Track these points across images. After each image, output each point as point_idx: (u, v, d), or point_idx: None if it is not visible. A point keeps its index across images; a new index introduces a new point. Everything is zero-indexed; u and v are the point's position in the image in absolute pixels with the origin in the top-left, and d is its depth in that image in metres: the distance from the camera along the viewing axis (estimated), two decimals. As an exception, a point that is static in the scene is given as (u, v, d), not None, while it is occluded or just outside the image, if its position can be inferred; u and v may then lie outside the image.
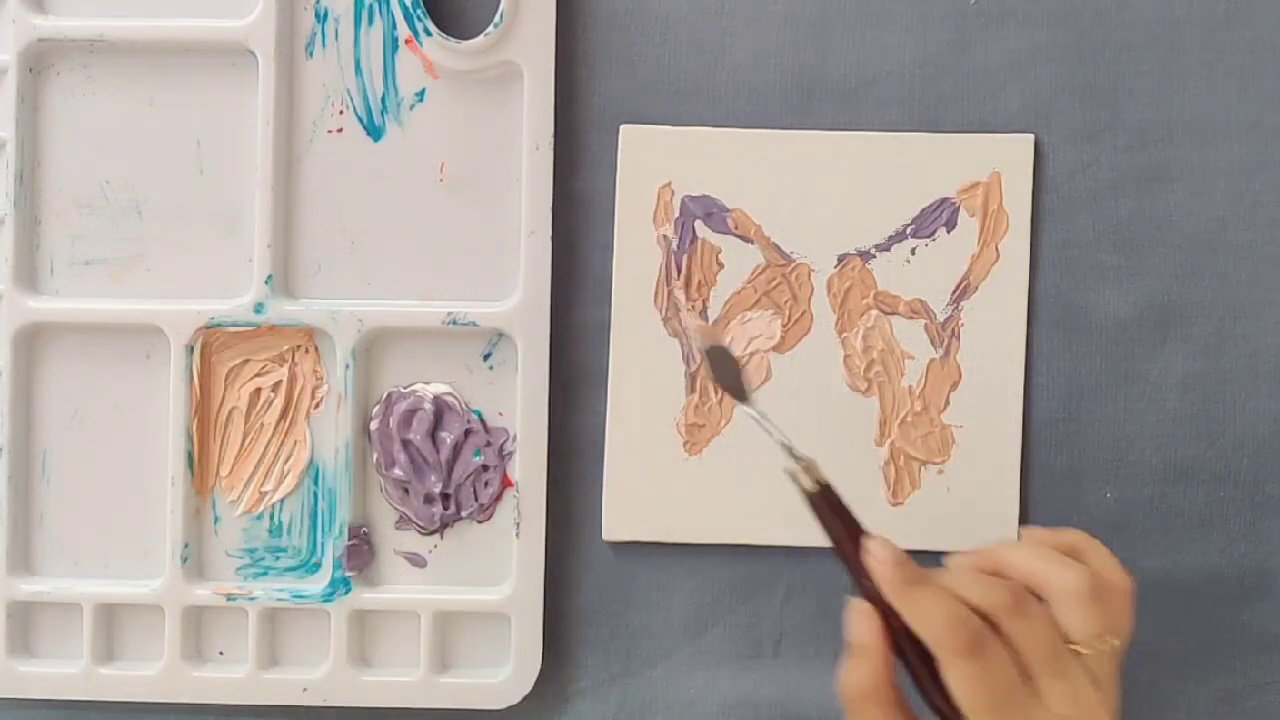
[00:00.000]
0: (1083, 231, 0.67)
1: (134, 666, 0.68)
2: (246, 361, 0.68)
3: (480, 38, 0.67)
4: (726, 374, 0.62)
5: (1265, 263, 0.67)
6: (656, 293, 0.67)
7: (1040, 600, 0.56)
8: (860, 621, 0.57)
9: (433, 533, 0.68)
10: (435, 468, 0.68)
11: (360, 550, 0.67)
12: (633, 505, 0.67)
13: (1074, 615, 0.56)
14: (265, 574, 0.68)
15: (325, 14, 0.68)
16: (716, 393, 0.66)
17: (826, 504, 0.59)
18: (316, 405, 0.68)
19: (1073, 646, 0.56)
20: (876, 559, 0.57)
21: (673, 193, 0.67)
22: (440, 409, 0.68)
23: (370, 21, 0.68)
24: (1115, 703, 0.56)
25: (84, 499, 0.68)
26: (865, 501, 0.67)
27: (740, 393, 0.61)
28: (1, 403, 0.68)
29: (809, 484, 0.59)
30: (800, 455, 0.59)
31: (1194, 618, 0.67)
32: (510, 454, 0.68)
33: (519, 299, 0.67)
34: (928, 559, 0.67)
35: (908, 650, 0.57)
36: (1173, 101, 0.67)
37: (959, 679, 0.55)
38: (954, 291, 0.67)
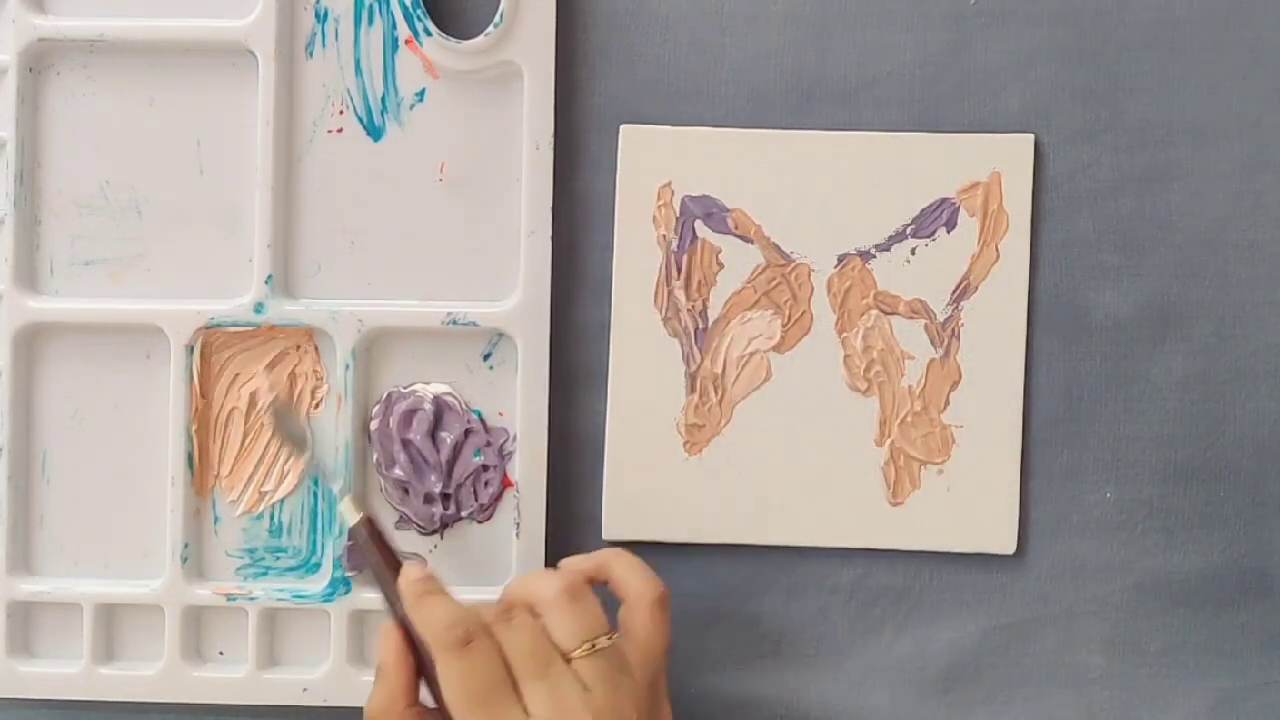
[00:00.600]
0: (1083, 231, 0.67)
1: (134, 666, 0.68)
2: (247, 361, 0.68)
3: (480, 38, 0.67)
4: (286, 427, 0.67)
5: (1265, 263, 0.67)
6: (656, 293, 0.67)
7: (535, 614, 0.59)
8: (383, 642, 0.60)
9: (433, 533, 0.68)
10: (435, 468, 0.68)
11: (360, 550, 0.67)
12: (633, 505, 0.67)
13: (554, 621, 0.59)
14: (265, 574, 0.68)
15: (325, 14, 0.68)
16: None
17: (369, 533, 0.63)
18: (316, 405, 0.68)
19: (565, 653, 0.58)
20: (404, 576, 0.61)
21: (673, 193, 0.67)
22: (440, 409, 0.68)
23: (370, 21, 0.68)
24: (619, 702, 0.58)
25: (84, 499, 0.68)
26: (865, 501, 0.67)
27: (300, 444, 0.67)
28: (1, 403, 0.68)
29: (355, 515, 0.63)
30: (349, 491, 0.66)
31: (1194, 617, 0.67)
32: (510, 454, 0.68)
33: (519, 299, 0.67)
34: (928, 559, 0.68)
35: (425, 664, 0.60)
36: (1173, 101, 0.67)
37: (446, 674, 0.58)
38: (954, 291, 0.67)
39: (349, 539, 0.65)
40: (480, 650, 0.58)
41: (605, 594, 0.61)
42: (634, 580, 0.61)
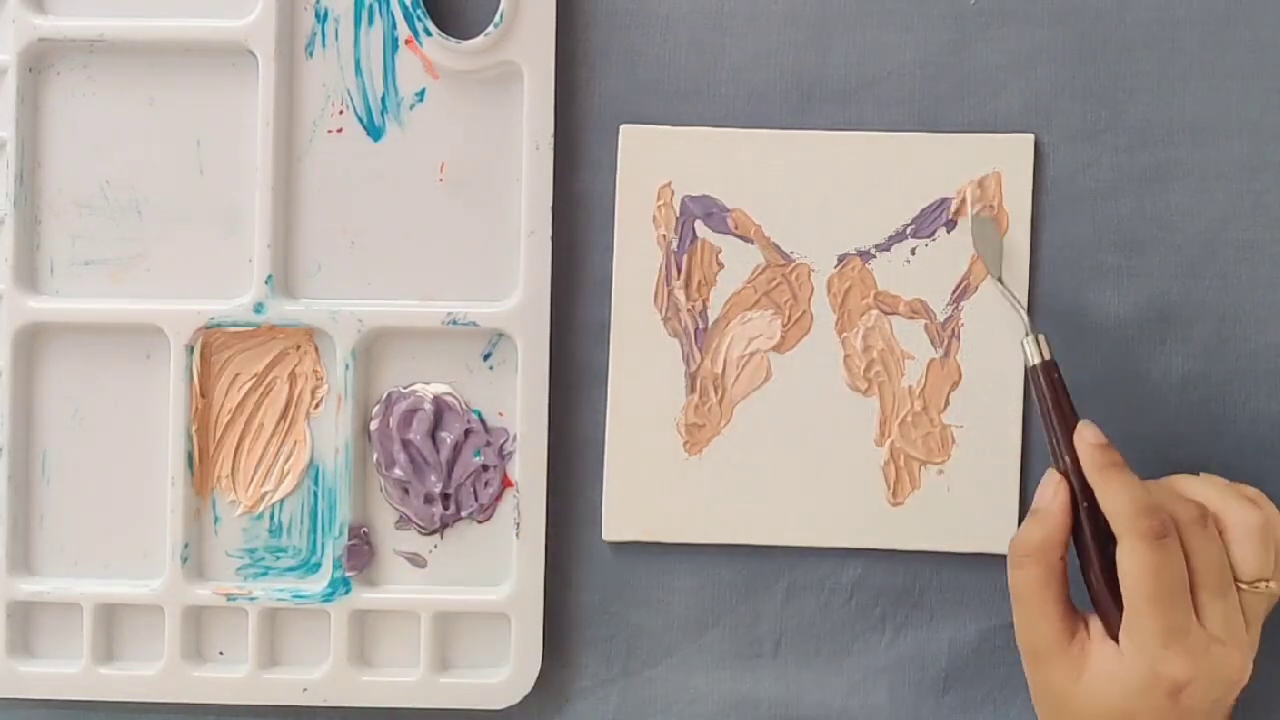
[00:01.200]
0: (1083, 231, 0.67)
1: (134, 666, 0.68)
2: (247, 361, 0.68)
3: (480, 38, 0.67)
4: (987, 243, 0.66)
5: (1266, 263, 0.67)
6: (656, 293, 0.67)
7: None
8: (1048, 488, 0.61)
9: (433, 533, 0.68)
10: (435, 468, 0.68)
11: (360, 550, 0.67)
12: (633, 505, 0.67)
13: (1245, 550, 0.59)
14: (265, 574, 0.68)
15: (325, 14, 0.68)
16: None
17: (1048, 379, 0.62)
18: (316, 405, 0.68)
19: (1238, 584, 0.58)
20: (1083, 439, 0.60)
21: (673, 192, 0.67)
22: (440, 409, 0.68)
23: (370, 21, 0.68)
24: (1255, 649, 0.59)
25: (84, 499, 0.68)
26: (865, 501, 0.67)
27: (995, 265, 0.66)
28: (1, 403, 0.68)
29: (1037, 355, 0.62)
30: (1037, 329, 0.63)
31: (1194, 618, 0.67)
32: (510, 454, 0.68)
33: (519, 299, 0.67)
34: (928, 559, 0.68)
35: (1086, 529, 0.60)
36: (1173, 101, 0.67)
37: (1134, 560, 0.57)
38: (954, 291, 0.67)
39: (1029, 376, 0.63)
40: (1172, 548, 0.57)
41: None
42: None
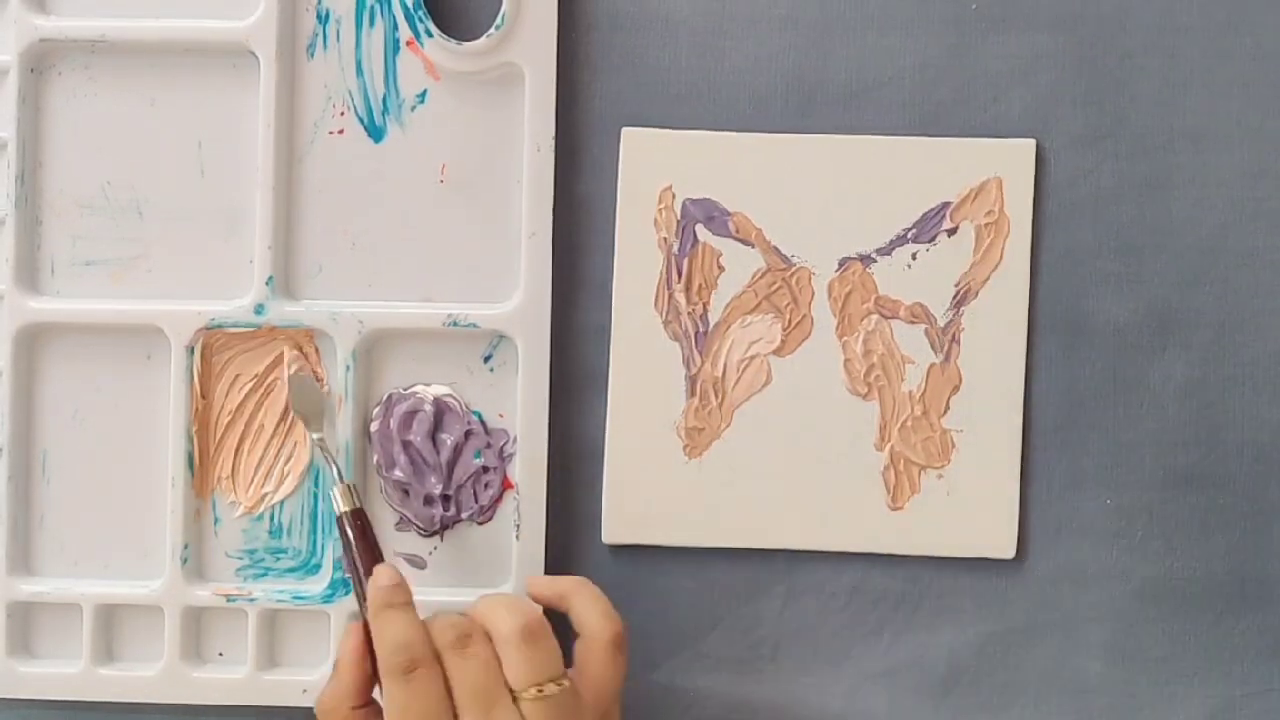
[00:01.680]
0: (1084, 237, 0.67)
1: (133, 667, 0.68)
2: (247, 362, 0.68)
3: (482, 39, 0.67)
4: (304, 399, 0.67)
5: (1266, 270, 0.67)
6: (657, 296, 0.67)
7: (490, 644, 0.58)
8: (345, 639, 0.60)
9: (433, 534, 0.68)
10: (435, 469, 0.68)
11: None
12: (633, 508, 0.67)
13: (507, 658, 0.58)
14: (265, 575, 0.68)
15: (326, 15, 0.68)
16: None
17: (357, 525, 0.63)
18: (317, 406, 0.69)
19: (514, 692, 0.57)
20: (374, 582, 0.60)
21: (674, 196, 0.67)
22: (440, 410, 0.68)
23: (371, 23, 0.68)
24: None
25: (84, 499, 0.69)
26: (864, 506, 0.67)
27: (315, 419, 0.67)
28: (2, 403, 0.68)
29: (345, 504, 0.63)
30: (346, 479, 0.65)
31: (1193, 624, 0.67)
32: (510, 456, 0.68)
33: (520, 301, 0.67)
34: (928, 563, 0.68)
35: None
36: (1174, 108, 0.67)
37: (388, 699, 0.58)
38: (954, 296, 0.67)
39: (336, 527, 0.64)
40: (423, 680, 0.57)
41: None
42: (592, 616, 0.61)
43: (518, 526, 0.67)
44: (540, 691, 0.57)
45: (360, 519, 0.63)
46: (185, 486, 0.68)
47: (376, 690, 0.60)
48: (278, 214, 0.67)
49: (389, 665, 0.58)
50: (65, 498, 0.69)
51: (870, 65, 0.68)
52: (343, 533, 0.63)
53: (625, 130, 0.68)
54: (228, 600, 0.68)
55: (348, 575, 0.66)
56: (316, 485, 0.68)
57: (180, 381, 0.68)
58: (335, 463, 0.65)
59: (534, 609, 0.60)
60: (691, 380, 0.67)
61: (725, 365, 0.67)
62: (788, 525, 0.67)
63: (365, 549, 0.62)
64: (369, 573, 0.61)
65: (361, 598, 0.61)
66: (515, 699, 0.57)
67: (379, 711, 0.59)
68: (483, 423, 0.68)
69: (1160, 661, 0.68)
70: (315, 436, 0.67)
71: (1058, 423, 0.67)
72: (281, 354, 0.68)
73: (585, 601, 0.62)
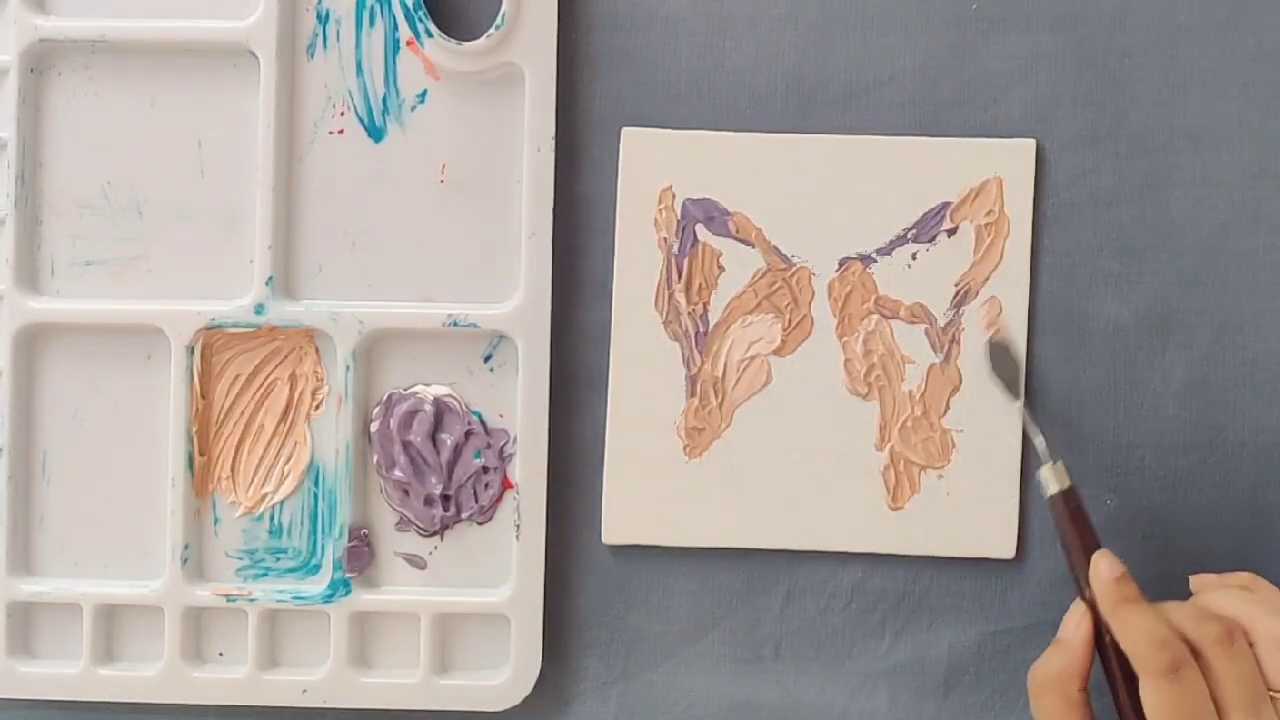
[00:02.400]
0: (1084, 238, 0.67)
1: (134, 667, 0.68)
2: (247, 363, 0.68)
3: (482, 39, 0.67)
4: (1005, 369, 0.66)
5: (1266, 270, 0.67)
6: (657, 296, 0.67)
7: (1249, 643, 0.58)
8: (1073, 618, 0.60)
9: (433, 534, 0.68)
10: (435, 469, 0.68)
11: (360, 552, 0.67)
12: (633, 508, 0.67)
13: (1277, 660, 0.57)
14: (265, 575, 0.68)
15: (326, 15, 0.68)
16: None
17: (1067, 508, 0.62)
18: (317, 407, 0.68)
19: (1272, 693, 0.57)
20: (1098, 573, 0.60)
21: (674, 196, 0.67)
22: (441, 410, 0.68)
23: (371, 23, 0.68)
24: None
25: (84, 499, 0.68)
26: (865, 505, 0.67)
27: (1015, 389, 0.66)
28: (2, 403, 0.68)
29: (1055, 485, 0.62)
30: (1054, 457, 0.63)
31: (1193, 624, 0.67)
32: (510, 456, 0.68)
33: (520, 301, 0.67)
34: (928, 563, 0.68)
35: (1113, 665, 0.59)
36: (1174, 108, 0.67)
37: (1153, 697, 0.57)
38: (954, 296, 0.67)
39: (1050, 505, 0.63)
40: (1190, 679, 0.56)
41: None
42: None
43: (518, 526, 0.67)
44: None
45: (1072, 498, 0.62)
46: (185, 486, 0.68)
47: None
48: (278, 214, 0.67)
49: (1151, 664, 0.57)
50: (65, 498, 0.69)
51: (870, 65, 0.68)
52: (1056, 514, 0.63)
53: (626, 130, 0.68)
54: (228, 600, 0.68)
55: (350, 575, 0.66)
56: (316, 485, 0.68)
57: (180, 381, 0.68)
58: (1039, 434, 0.64)
59: None
60: (692, 380, 0.67)
61: (725, 365, 0.67)
62: (788, 525, 0.67)
63: (1082, 530, 0.62)
64: (1086, 554, 0.61)
65: (1081, 580, 0.61)
66: (1274, 700, 0.57)
67: (1089, 699, 0.59)
68: (483, 423, 0.68)
69: (1161, 661, 0.68)
70: (1018, 404, 0.66)
71: (1058, 423, 0.67)
72: (278, 354, 0.68)
73: (1276, 595, 0.61)
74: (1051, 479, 0.63)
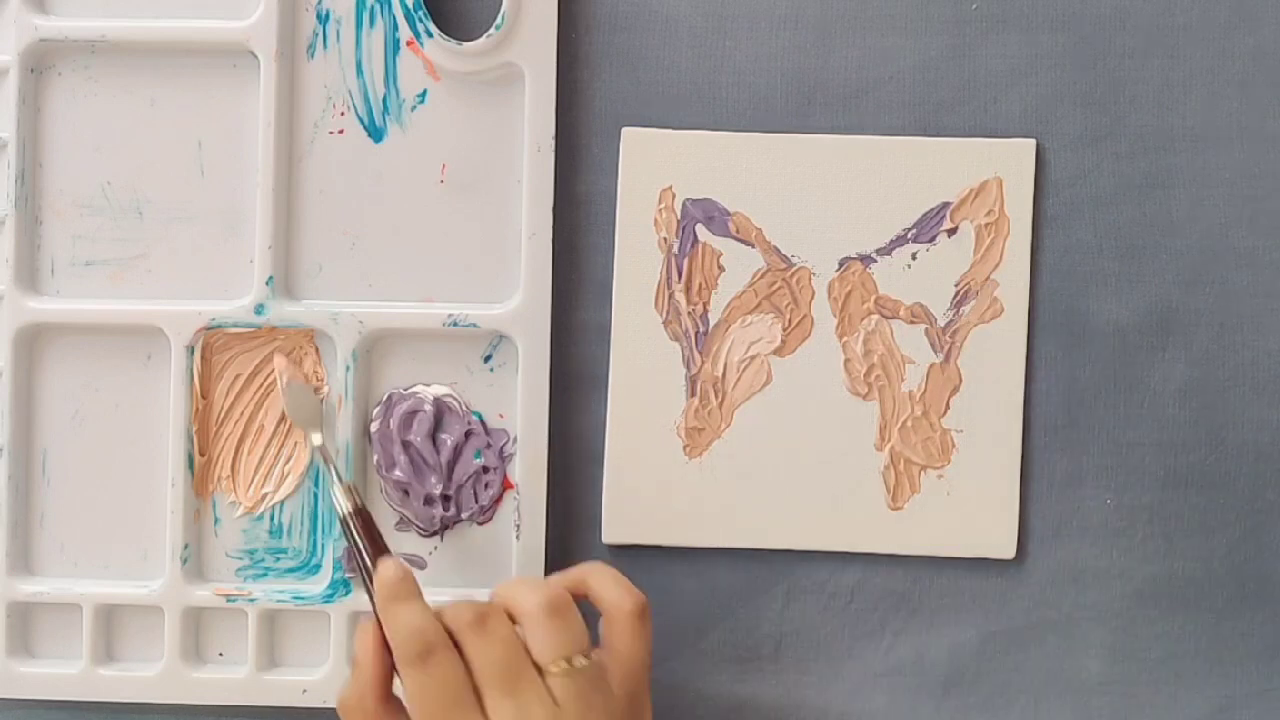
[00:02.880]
0: (1084, 237, 0.67)
1: (133, 667, 0.68)
2: (247, 363, 0.68)
3: (482, 39, 0.67)
4: (299, 405, 0.67)
5: (1266, 270, 0.67)
6: (657, 296, 0.67)
7: (512, 623, 0.58)
8: (360, 636, 0.59)
9: (433, 534, 0.68)
10: (435, 469, 0.68)
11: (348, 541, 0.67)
12: (633, 508, 0.67)
13: (531, 634, 0.57)
14: (265, 575, 0.68)
15: (326, 15, 0.68)
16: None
17: (359, 525, 0.62)
18: (317, 406, 0.69)
19: (541, 667, 0.57)
20: (380, 576, 0.59)
21: (674, 196, 0.67)
22: (441, 410, 0.68)
23: (371, 23, 0.68)
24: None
25: (84, 499, 0.68)
26: (865, 505, 0.67)
27: (312, 424, 0.67)
28: (2, 403, 0.68)
29: (346, 503, 0.63)
30: (346, 480, 0.65)
31: (1194, 624, 0.67)
32: (510, 456, 0.68)
33: (520, 301, 0.67)
34: (928, 563, 0.68)
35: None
36: (1174, 108, 0.67)
37: (408, 685, 0.57)
38: (954, 296, 0.67)
39: (339, 528, 0.64)
40: (441, 664, 0.57)
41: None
42: (611, 592, 0.60)
43: (518, 526, 0.67)
44: (569, 664, 0.57)
45: (363, 518, 0.63)
46: (185, 486, 0.68)
47: (398, 686, 0.59)
48: (278, 214, 0.67)
49: (404, 654, 0.57)
50: (65, 498, 0.69)
51: (870, 65, 0.68)
52: (347, 533, 0.63)
53: (626, 130, 0.68)
54: (228, 600, 0.68)
55: (349, 575, 0.66)
56: (316, 485, 0.68)
57: (180, 381, 0.68)
58: (334, 465, 0.65)
59: (556, 585, 0.59)
60: (692, 380, 0.68)
61: (725, 365, 0.67)
62: (788, 525, 0.67)
63: (373, 546, 0.62)
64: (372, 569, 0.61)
65: (371, 595, 0.61)
66: (542, 675, 0.57)
67: (402, 707, 0.59)
68: (483, 423, 0.68)
69: (1160, 662, 0.68)
70: (315, 443, 0.66)
71: (1058, 423, 0.67)
72: (277, 352, 0.68)
73: (603, 578, 0.61)
74: (343, 499, 0.63)
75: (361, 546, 0.62)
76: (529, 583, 0.60)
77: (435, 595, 0.66)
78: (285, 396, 0.67)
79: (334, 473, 0.64)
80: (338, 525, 0.67)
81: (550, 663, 0.57)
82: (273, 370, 0.68)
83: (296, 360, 0.68)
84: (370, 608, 0.61)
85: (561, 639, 0.57)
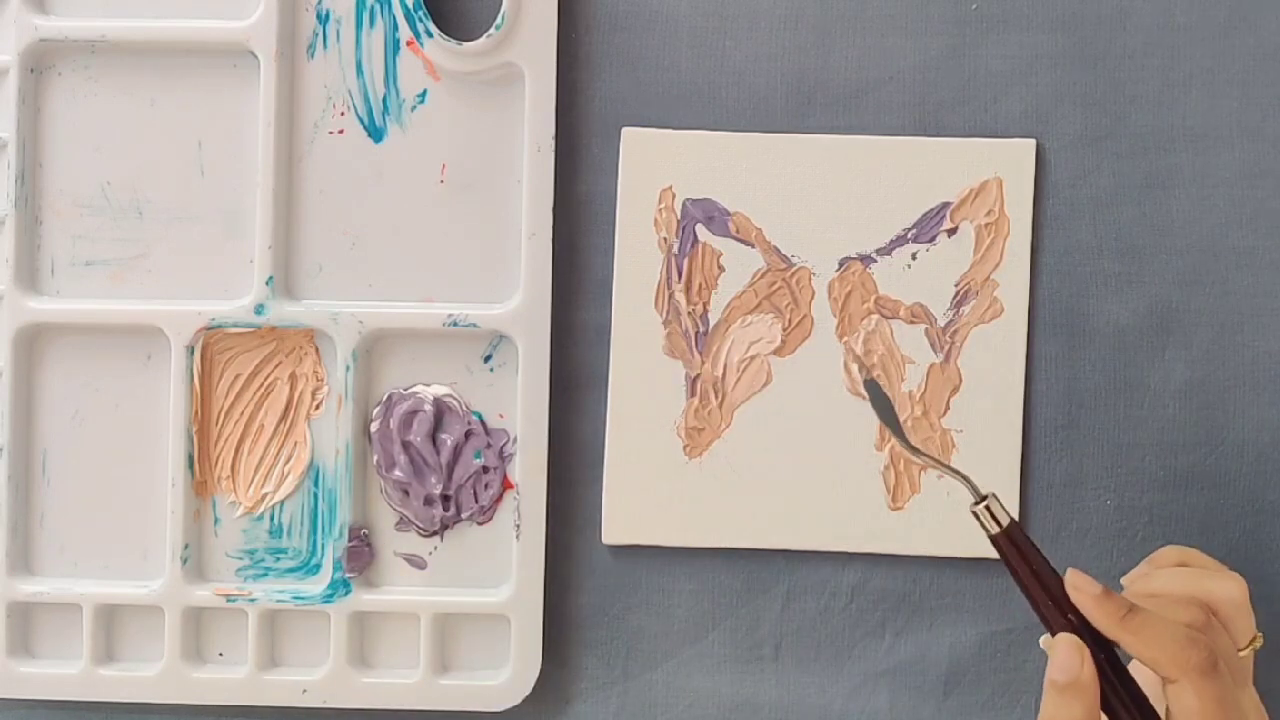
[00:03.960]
0: (1084, 237, 0.67)
1: (133, 667, 0.68)
2: (247, 362, 0.68)
3: (482, 39, 0.67)
4: (886, 411, 0.59)
5: (1266, 270, 0.67)
6: (657, 296, 0.67)
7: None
8: (1071, 655, 0.54)
9: (433, 534, 0.68)
10: (435, 469, 0.68)
11: (360, 552, 0.67)
12: (633, 508, 0.68)
13: (1241, 623, 0.57)
14: (265, 575, 0.68)
15: (326, 15, 0.68)
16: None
17: (1012, 543, 0.56)
18: (317, 407, 0.68)
19: (1241, 651, 0.57)
20: (1085, 593, 0.54)
21: (674, 196, 0.67)
22: (441, 410, 0.68)
23: (371, 23, 0.68)
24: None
25: (84, 499, 0.69)
26: (865, 505, 0.67)
27: (901, 432, 0.58)
28: (2, 403, 0.68)
29: (993, 526, 0.56)
30: (983, 493, 0.56)
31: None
32: (510, 456, 0.68)
33: (520, 301, 0.67)
34: (928, 563, 0.68)
35: (1113, 684, 0.54)
36: (1174, 108, 0.67)
37: (1195, 699, 0.52)
38: (954, 296, 0.67)
39: (993, 545, 0.56)
40: (1224, 673, 0.53)
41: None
42: (1220, 584, 0.57)
43: (518, 526, 0.67)
44: (1256, 642, 0.57)
45: (1015, 534, 0.56)
46: (185, 486, 0.68)
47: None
48: (278, 214, 0.67)
49: (1192, 665, 0.52)
50: (65, 498, 0.69)
51: (870, 65, 0.68)
52: (1006, 553, 0.56)
53: (626, 130, 0.68)
54: (228, 600, 0.68)
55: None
56: (316, 485, 0.68)
57: (180, 381, 0.68)
58: (965, 476, 0.57)
59: (1230, 571, 0.58)
60: (692, 381, 0.67)
61: (725, 365, 0.67)
62: (788, 525, 0.67)
63: (1039, 560, 0.56)
64: (1048, 580, 0.55)
65: (1050, 611, 0.55)
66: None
67: None
68: (483, 423, 0.68)
69: (1160, 661, 0.67)
70: (911, 448, 0.58)
71: (1058, 423, 0.67)
72: (278, 354, 0.68)
73: (1205, 558, 0.60)
74: (989, 519, 0.56)
75: (1026, 568, 0.56)
76: (1223, 573, 0.58)
77: (436, 595, 0.67)
78: (868, 392, 0.59)
79: (970, 486, 0.56)
80: (337, 524, 0.67)
81: (1247, 645, 0.57)
82: (276, 370, 0.68)
83: (296, 360, 0.68)
84: (1048, 623, 0.55)
85: (1253, 623, 0.57)
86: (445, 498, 0.68)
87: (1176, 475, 0.67)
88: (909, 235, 0.67)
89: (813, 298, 0.67)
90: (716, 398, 0.67)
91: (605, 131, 0.68)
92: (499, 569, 0.68)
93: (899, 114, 0.67)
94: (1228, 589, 0.57)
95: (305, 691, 0.67)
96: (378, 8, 0.67)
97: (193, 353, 0.68)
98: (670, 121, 0.68)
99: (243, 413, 0.68)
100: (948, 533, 0.67)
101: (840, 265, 0.67)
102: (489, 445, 0.68)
